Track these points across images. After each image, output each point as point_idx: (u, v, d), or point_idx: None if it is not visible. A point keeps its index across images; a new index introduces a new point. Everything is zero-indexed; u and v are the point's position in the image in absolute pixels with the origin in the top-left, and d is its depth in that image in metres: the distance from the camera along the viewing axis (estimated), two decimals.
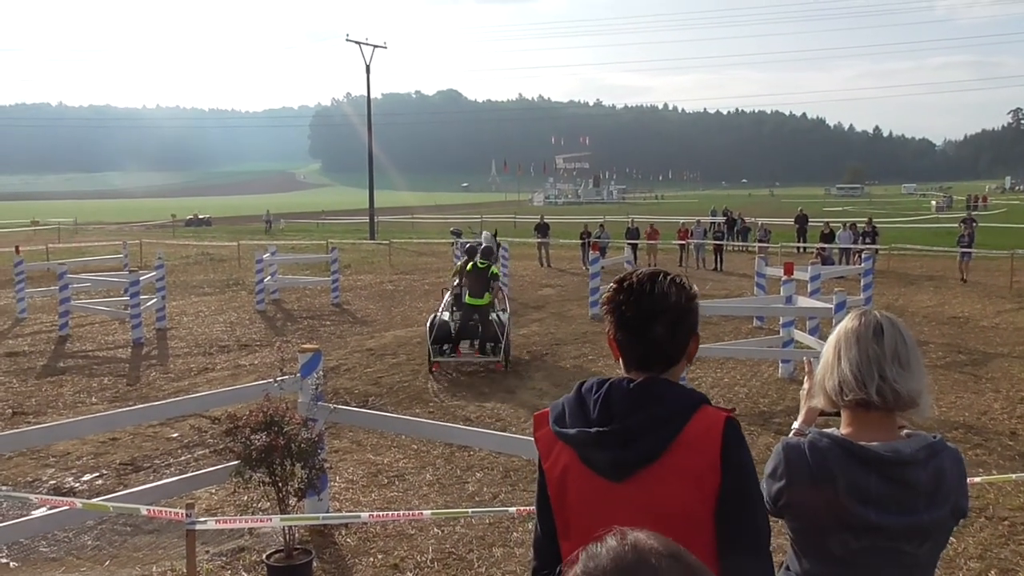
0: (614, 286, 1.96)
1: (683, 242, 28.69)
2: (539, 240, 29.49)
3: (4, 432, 8.05)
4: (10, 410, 10.09)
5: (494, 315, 12.43)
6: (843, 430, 2.02)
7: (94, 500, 6.09)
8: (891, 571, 1.95)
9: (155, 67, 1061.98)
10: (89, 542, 6.19)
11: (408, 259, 31.13)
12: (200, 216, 65.01)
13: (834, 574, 1.98)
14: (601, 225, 31.05)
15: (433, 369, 11.75)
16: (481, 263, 12.63)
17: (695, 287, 2.00)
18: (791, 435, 2.18)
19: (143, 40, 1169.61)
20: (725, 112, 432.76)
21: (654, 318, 1.89)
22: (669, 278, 1.92)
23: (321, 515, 5.58)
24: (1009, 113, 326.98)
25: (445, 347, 12.03)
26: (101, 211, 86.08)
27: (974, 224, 26.54)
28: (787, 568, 2.10)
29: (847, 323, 2.06)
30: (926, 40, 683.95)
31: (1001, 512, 6.50)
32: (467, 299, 12.41)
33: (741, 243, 32.90)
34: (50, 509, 5.58)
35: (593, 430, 1.83)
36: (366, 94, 45.98)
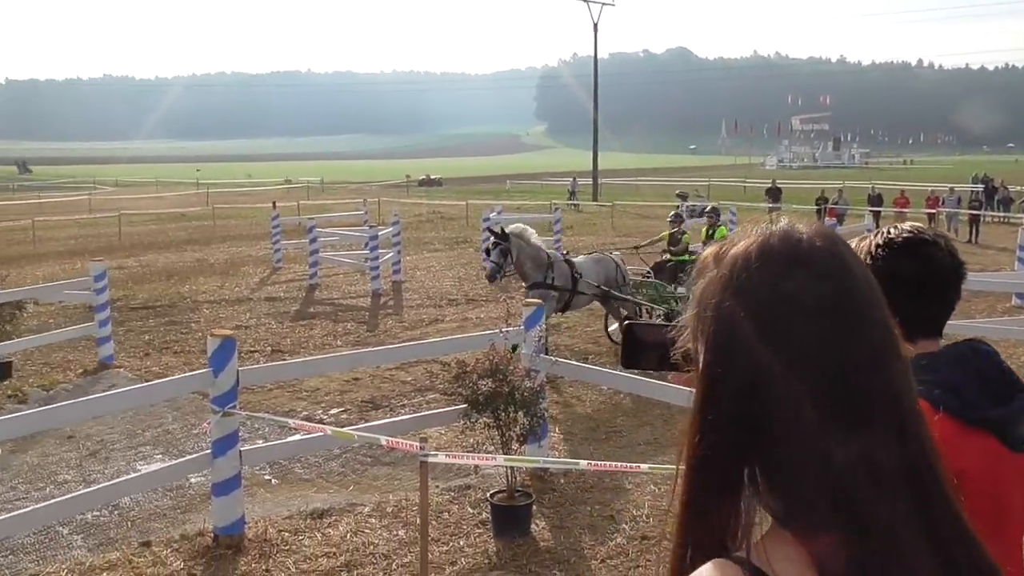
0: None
1: (932, 211, 26.33)
2: (770, 205, 28.29)
3: (268, 365, 9.07)
4: (269, 348, 11.33)
5: None
6: None
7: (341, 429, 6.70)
8: None
9: (391, 33, 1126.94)
10: (336, 468, 6.86)
11: (631, 221, 30.97)
12: (432, 177, 68.46)
13: None
14: (839, 191, 29.24)
15: None
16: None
17: None
18: None
19: (381, 8, 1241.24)
20: (991, 68, 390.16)
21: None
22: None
23: (541, 459, 5.79)
24: None
25: None
26: (343, 171, 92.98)
27: None
28: None
29: None
30: None
31: None
32: None
33: (1003, 214, 29.70)
34: (304, 435, 6.23)
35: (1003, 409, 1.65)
36: (593, 54, 45.89)
